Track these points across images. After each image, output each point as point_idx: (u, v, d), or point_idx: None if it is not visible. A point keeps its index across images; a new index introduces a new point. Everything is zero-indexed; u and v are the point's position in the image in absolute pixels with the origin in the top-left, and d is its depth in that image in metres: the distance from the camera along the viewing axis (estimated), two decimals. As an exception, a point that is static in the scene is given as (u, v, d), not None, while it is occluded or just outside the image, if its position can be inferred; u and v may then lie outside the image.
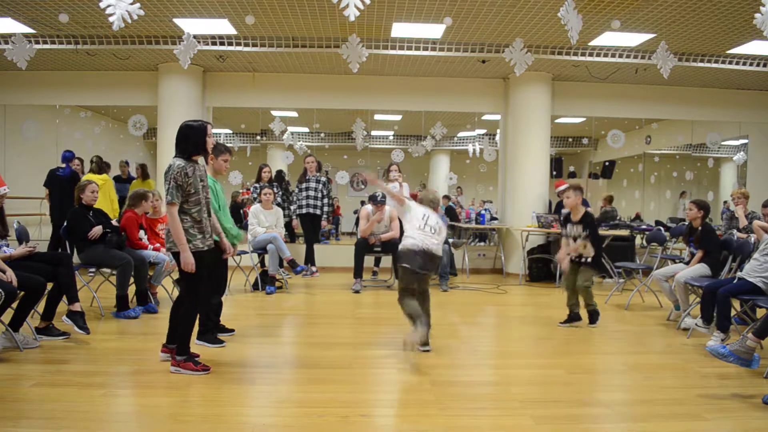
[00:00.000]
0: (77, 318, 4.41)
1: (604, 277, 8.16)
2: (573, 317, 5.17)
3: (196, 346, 4.02)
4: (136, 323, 4.97)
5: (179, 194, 3.44)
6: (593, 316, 5.14)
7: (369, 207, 6.98)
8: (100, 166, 7.65)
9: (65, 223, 5.23)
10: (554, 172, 10.02)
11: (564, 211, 7.85)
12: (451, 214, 9.77)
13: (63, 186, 7.40)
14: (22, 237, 4.79)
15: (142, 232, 5.67)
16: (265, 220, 6.81)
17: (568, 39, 5.09)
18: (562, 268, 5.23)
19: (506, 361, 4.23)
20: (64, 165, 7.63)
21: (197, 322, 4.29)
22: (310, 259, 8.05)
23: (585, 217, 5.15)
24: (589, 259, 5.09)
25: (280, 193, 8.36)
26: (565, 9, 4.92)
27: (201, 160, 3.77)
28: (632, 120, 9.57)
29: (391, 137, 12.09)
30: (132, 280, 5.23)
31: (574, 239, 5.16)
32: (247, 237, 6.87)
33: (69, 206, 7.27)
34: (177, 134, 3.57)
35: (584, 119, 9.96)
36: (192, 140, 3.55)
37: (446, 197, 10.56)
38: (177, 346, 3.58)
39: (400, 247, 4.16)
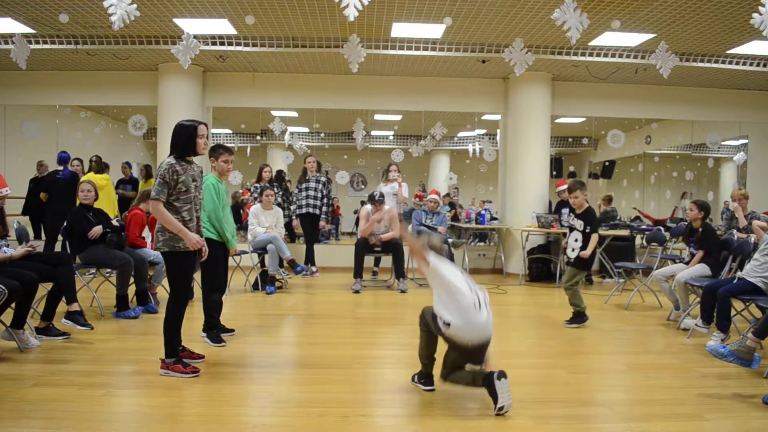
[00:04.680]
0: (77, 317, 4.43)
1: (604, 277, 8.18)
2: (575, 317, 5.13)
3: (200, 342, 4.05)
4: (136, 323, 4.97)
5: (165, 191, 3.44)
6: (575, 317, 5.10)
7: (369, 207, 7.00)
8: (100, 166, 7.63)
9: (65, 223, 5.22)
10: (554, 172, 10.02)
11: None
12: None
13: (62, 188, 7.31)
14: (22, 237, 4.80)
15: (145, 230, 5.72)
16: (265, 221, 6.81)
17: (568, 39, 5.09)
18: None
19: (506, 361, 4.19)
20: (62, 168, 7.54)
21: (202, 316, 4.35)
22: (310, 259, 8.05)
23: (585, 210, 5.13)
24: (573, 259, 5.07)
25: (280, 193, 8.37)
26: (562, 10, 4.92)
27: (199, 161, 3.77)
28: (632, 120, 9.57)
29: (391, 137, 12.08)
30: (132, 280, 5.23)
31: (570, 230, 5.19)
32: (247, 237, 6.89)
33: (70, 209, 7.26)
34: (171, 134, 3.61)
35: (584, 119, 9.96)
36: (181, 140, 3.54)
37: (447, 195, 10.60)
38: (165, 348, 3.52)
39: (453, 342, 3.04)
